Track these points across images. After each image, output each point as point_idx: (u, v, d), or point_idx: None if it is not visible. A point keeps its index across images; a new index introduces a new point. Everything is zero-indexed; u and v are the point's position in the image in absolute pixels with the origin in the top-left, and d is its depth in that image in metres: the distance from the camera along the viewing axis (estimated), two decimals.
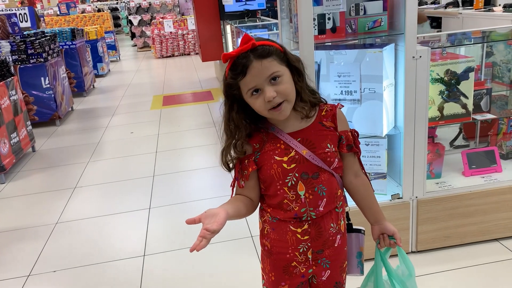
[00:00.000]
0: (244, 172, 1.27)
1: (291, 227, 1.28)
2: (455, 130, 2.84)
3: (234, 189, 1.33)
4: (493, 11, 4.30)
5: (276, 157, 1.23)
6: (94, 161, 4.23)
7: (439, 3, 5.26)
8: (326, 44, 2.13)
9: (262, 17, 5.98)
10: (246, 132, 1.24)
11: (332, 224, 1.29)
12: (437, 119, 2.25)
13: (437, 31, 4.32)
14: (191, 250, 1.09)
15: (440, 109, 2.24)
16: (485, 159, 2.44)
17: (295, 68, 1.21)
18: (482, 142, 2.72)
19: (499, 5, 4.51)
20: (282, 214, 1.27)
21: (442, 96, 2.22)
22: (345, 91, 2.10)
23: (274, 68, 1.15)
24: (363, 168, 1.37)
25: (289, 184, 1.23)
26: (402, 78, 2.08)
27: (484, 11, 4.40)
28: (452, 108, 2.24)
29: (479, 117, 2.35)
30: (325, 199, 1.25)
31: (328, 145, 1.24)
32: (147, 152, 4.33)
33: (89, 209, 3.29)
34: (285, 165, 1.22)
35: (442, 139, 2.67)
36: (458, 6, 4.92)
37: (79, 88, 7.12)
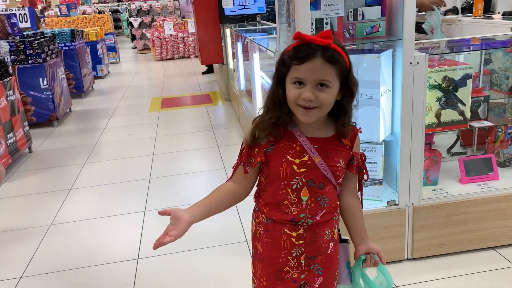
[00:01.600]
0: (251, 159, 1.25)
1: (286, 230, 1.26)
2: (453, 137, 2.83)
3: (235, 172, 1.32)
4: (492, 18, 4.30)
5: (288, 157, 1.21)
6: (90, 163, 4.21)
7: (439, 9, 5.26)
8: None
9: (262, 21, 5.98)
10: (286, 114, 1.21)
11: (327, 231, 1.28)
12: (434, 125, 2.24)
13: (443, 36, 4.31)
14: (155, 247, 1.17)
15: (437, 115, 2.23)
16: (482, 166, 2.43)
17: (349, 89, 1.19)
18: (480, 150, 2.71)
19: (498, 12, 4.50)
20: (278, 216, 1.26)
21: (439, 103, 2.21)
22: None
23: (329, 77, 1.13)
24: (361, 192, 1.38)
25: (294, 187, 1.22)
26: (399, 84, 2.07)
27: (483, 18, 4.40)
28: (449, 115, 2.23)
29: (476, 124, 2.35)
30: (324, 210, 1.25)
31: (340, 160, 1.24)
32: (144, 154, 4.31)
33: (84, 211, 3.27)
34: (295, 167, 1.21)
35: (439, 146, 2.67)
36: (457, 13, 4.92)
37: (78, 89, 7.11)
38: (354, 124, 1.29)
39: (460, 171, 2.40)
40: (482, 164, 2.44)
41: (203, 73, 8.59)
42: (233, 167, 1.32)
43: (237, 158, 1.31)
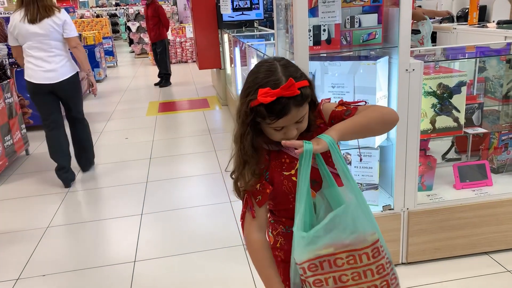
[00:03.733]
0: (257, 198, 1.23)
1: None
2: (448, 144, 2.86)
3: (246, 222, 1.28)
4: (487, 27, 4.36)
5: (284, 173, 1.22)
6: None
7: (434, 18, 5.34)
8: (321, 55, 2.15)
9: (260, 27, 6.02)
10: (262, 156, 1.21)
11: None
12: (429, 131, 2.27)
13: (432, 45, 4.37)
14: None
15: (432, 122, 2.26)
16: (476, 172, 2.46)
17: (313, 102, 1.21)
18: (474, 156, 2.74)
19: (493, 21, 4.57)
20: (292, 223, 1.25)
21: (434, 109, 2.25)
22: None
23: (304, 112, 1.16)
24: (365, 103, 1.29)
25: None
26: (395, 90, 2.10)
27: (478, 27, 4.46)
28: (444, 121, 2.27)
29: (470, 131, 2.38)
30: None
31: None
32: (141, 158, 4.33)
33: (81, 214, 3.28)
34: (294, 178, 1.21)
35: (434, 152, 2.70)
36: (452, 22, 5.00)
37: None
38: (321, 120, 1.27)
39: (454, 177, 2.43)
40: (476, 170, 2.47)
41: (156, 84, 8.23)
42: (241, 218, 1.29)
43: (244, 207, 1.27)
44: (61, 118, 3.75)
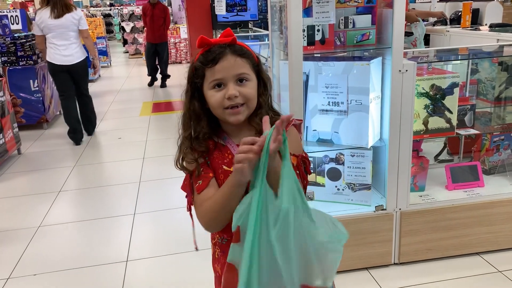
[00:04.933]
0: (198, 182, 1.16)
1: None
2: (440, 145, 2.88)
3: (194, 207, 1.18)
4: (479, 30, 4.39)
5: (224, 167, 1.16)
6: (80, 165, 4.20)
7: (427, 21, 5.37)
8: (315, 55, 2.16)
9: (255, 28, 6.03)
10: (207, 126, 1.17)
11: None
12: (421, 132, 2.28)
13: (425, 47, 4.40)
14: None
15: (425, 123, 2.28)
16: (468, 174, 2.48)
17: (263, 82, 1.19)
18: (466, 157, 2.76)
19: (486, 24, 4.61)
20: (228, 232, 1.11)
21: (427, 110, 2.26)
22: (332, 102, 2.13)
23: (245, 70, 1.13)
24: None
25: None
26: (388, 91, 2.11)
27: (471, 29, 4.50)
28: (436, 122, 2.28)
29: (462, 132, 2.40)
30: None
31: None
32: (135, 158, 4.31)
33: (73, 213, 3.26)
34: None
35: (427, 153, 2.71)
36: (446, 24, 5.02)
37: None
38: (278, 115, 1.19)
39: (446, 177, 2.45)
40: (468, 171, 2.49)
41: (149, 84, 8.20)
42: (187, 209, 1.22)
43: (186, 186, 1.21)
44: (73, 92, 4.81)
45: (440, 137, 2.54)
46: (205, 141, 1.18)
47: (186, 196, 1.22)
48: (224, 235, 1.22)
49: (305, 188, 1.18)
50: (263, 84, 1.19)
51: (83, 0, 21.08)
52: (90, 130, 5.16)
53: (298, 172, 1.14)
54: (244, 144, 0.98)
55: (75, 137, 4.83)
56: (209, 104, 1.16)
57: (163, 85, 8.09)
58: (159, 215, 3.09)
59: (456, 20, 4.91)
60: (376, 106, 2.16)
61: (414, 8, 5.59)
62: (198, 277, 2.38)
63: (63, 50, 4.55)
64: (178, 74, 9.63)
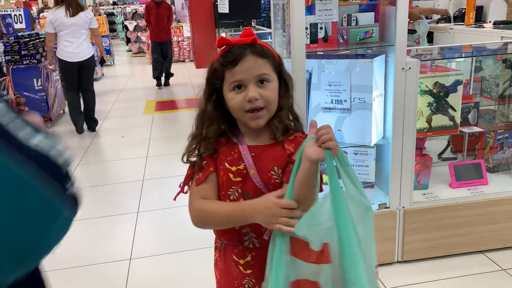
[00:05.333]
0: (198, 174, 1.15)
1: (234, 257, 1.18)
2: (444, 143, 2.87)
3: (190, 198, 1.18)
4: (483, 27, 4.38)
5: (226, 164, 1.14)
6: (83, 164, 4.21)
7: (431, 18, 5.35)
8: (318, 53, 2.16)
9: (257, 26, 6.03)
10: (218, 130, 1.15)
11: None
12: (425, 130, 2.28)
13: (429, 45, 4.38)
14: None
15: (428, 120, 2.27)
16: (472, 172, 2.47)
17: (285, 83, 1.15)
18: (470, 155, 2.75)
19: (490, 21, 4.59)
20: (226, 235, 1.18)
21: (430, 108, 2.25)
22: (335, 100, 2.13)
23: (266, 70, 1.10)
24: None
25: (231, 198, 1.13)
26: (391, 89, 2.11)
27: (474, 27, 4.48)
28: (440, 120, 2.27)
29: (466, 129, 2.39)
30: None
31: (275, 168, 1.12)
32: (138, 156, 4.32)
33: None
34: (231, 176, 1.12)
35: (430, 151, 2.71)
36: (449, 22, 5.01)
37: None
38: (301, 132, 1.18)
39: (450, 176, 2.44)
40: (472, 169, 2.48)
41: (158, 85, 8.01)
42: (175, 198, 1.23)
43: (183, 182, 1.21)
44: (77, 86, 5.14)
45: (443, 135, 2.53)
46: (210, 145, 1.15)
47: (180, 185, 1.21)
48: (223, 240, 1.22)
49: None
50: (285, 84, 1.16)
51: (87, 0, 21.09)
52: (93, 126, 5.31)
53: None
54: (286, 206, 1.00)
55: (79, 124, 5.21)
56: (229, 107, 1.12)
57: (166, 83, 8.09)
58: (163, 213, 3.09)
59: (460, 17, 4.89)
60: (379, 104, 2.15)
61: (417, 6, 5.57)
62: (202, 275, 2.38)
63: (76, 47, 4.87)
64: (181, 72, 9.64)
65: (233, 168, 1.13)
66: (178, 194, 1.22)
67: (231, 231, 1.16)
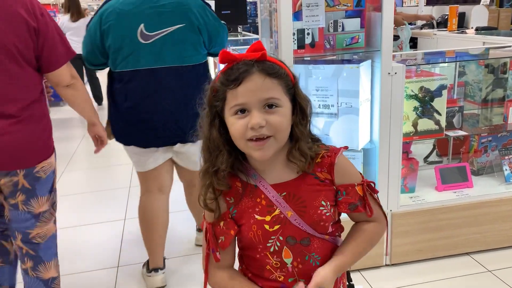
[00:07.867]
0: (220, 238, 1.01)
1: None
2: (429, 147, 2.91)
3: (209, 264, 1.07)
4: (465, 33, 4.47)
5: (256, 216, 0.99)
6: (69, 171, 4.16)
7: (415, 24, 5.44)
8: (305, 58, 2.17)
9: (244, 32, 6.04)
10: (229, 159, 0.98)
11: None
12: (411, 134, 2.31)
13: (413, 50, 4.46)
14: None
15: (414, 124, 2.30)
16: (457, 175, 2.51)
17: (300, 108, 0.97)
18: (455, 159, 2.80)
19: (472, 27, 4.69)
20: (265, 284, 1.05)
21: (416, 112, 2.29)
22: (322, 105, 2.14)
23: (275, 94, 0.92)
24: (382, 210, 1.10)
25: (272, 250, 1.00)
26: (378, 93, 2.13)
27: (457, 32, 4.57)
28: (425, 124, 2.31)
29: (451, 133, 2.43)
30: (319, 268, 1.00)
31: (323, 202, 1.00)
32: (125, 163, 4.26)
33: (63, 219, 3.20)
34: (267, 226, 0.99)
35: (416, 155, 2.74)
36: (433, 28, 5.10)
37: (56, 97, 6.99)
38: (326, 149, 1.03)
39: (436, 179, 2.47)
40: (457, 172, 2.51)
41: None
42: (204, 269, 1.09)
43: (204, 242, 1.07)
44: (82, 77, 6.01)
45: (429, 139, 2.57)
46: (225, 179, 0.99)
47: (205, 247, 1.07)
48: (256, 281, 1.09)
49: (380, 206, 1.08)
50: (301, 110, 0.98)
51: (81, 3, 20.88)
52: (100, 102, 6.75)
53: (363, 202, 1.04)
54: None
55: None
56: (230, 133, 0.96)
57: None
58: None
59: (443, 23, 4.99)
60: (366, 108, 2.18)
61: (401, 12, 5.65)
62: (191, 282, 2.37)
63: (80, 43, 5.54)
64: None
65: (267, 218, 0.99)
66: (207, 263, 1.08)
67: (273, 283, 1.05)
